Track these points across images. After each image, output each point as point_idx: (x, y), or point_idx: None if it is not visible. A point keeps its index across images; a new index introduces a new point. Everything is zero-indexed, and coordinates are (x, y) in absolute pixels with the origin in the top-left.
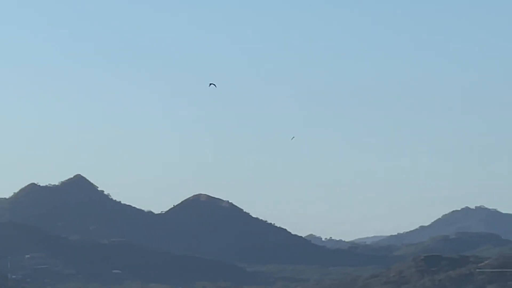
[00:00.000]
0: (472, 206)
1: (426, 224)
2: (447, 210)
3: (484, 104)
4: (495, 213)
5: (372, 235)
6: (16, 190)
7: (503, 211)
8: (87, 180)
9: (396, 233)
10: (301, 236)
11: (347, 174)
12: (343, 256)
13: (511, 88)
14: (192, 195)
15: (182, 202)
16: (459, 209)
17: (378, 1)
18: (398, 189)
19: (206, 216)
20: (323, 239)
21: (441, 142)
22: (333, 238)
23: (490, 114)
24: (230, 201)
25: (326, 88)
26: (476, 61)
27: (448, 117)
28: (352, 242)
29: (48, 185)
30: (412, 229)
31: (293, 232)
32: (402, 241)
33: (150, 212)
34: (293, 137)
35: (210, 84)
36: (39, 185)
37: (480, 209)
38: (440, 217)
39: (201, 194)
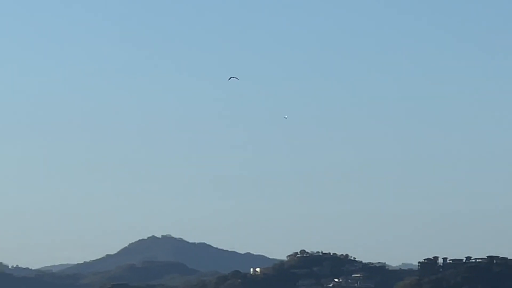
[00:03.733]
0: (159, 235)
1: (113, 252)
2: (133, 239)
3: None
4: (181, 242)
5: (59, 263)
6: None
7: (189, 241)
8: None
9: (82, 262)
10: None
11: (47, 198)
12: (31, 284)
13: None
14: None
15: None
16: (146, 238)
17: None
18: (84, 217)
19: None
20: (10, 267)
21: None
22: (19, 265)
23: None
24: None
25: None
26: None
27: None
28: (38, 270)
29: None
30: (98, 257)
31: None
32: (89, 270)
33: None
34: (286, 116)
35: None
36: None
37: (167, 238)
38: (127, 245)
39: None
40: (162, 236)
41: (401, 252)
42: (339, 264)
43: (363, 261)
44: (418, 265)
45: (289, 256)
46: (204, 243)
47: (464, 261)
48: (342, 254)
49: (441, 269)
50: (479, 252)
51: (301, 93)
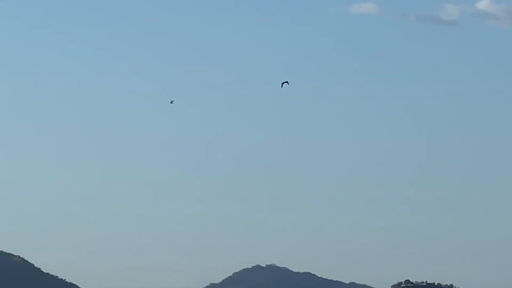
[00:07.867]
0: (263, 264)
1: (217, 281)
2: (238, 268)
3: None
4: (285, 271)
5: None
6: None
7: (294, 270)
8: None
9: None
10: None
11: (150, 223)
12: None
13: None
14: None
15: None
16: (250, 267)
17: None
18: (188, 244)
19: None
20: None
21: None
22: None
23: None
24: (21, 256)
25: None
26: None
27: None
28: None
29: None
30: (202, 286)
31: None
32: None
33: None
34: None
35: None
36: None
37: (271, 267)
38: (231, 275)
39: None
40: (266, 265)
41: (509, 282)
42: None
43: None
44: None
45: (393, 286)
46: (309, 273)
47: None
48: (447, 284)
49: None
50: None
51: None
